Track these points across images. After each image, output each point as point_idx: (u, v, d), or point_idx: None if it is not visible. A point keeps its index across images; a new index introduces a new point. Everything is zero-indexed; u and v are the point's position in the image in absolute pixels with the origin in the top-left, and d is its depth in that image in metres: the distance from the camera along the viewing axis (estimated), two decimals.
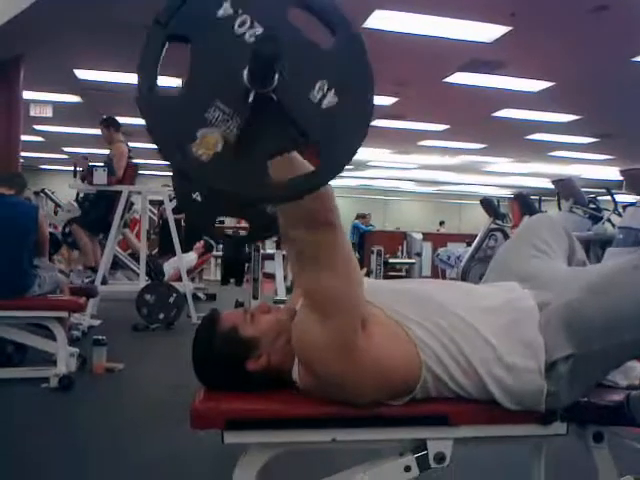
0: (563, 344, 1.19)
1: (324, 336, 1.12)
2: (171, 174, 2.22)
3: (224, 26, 0.94)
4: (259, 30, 0.94)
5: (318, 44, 0.96)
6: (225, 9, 0.95)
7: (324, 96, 0.94)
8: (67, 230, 6.21)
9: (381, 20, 5.81)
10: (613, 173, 14.06)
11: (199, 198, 1.86)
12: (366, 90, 0.97)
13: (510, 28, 5.88)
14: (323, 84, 0.94)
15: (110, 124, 5.87)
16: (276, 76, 0.92)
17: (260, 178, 0.94)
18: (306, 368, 1.20)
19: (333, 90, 0.94)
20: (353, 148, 0.96)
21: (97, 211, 5.73)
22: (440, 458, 1.21)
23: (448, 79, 7.69)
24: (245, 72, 0.92)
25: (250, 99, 0.92)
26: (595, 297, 1.21)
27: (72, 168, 6.92)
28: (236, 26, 0.94)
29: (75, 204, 6.64)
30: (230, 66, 0.94)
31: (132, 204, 6.44)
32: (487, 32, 6.06)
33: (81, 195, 6.26)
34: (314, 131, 0.95)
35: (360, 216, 14.15)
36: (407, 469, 1.21)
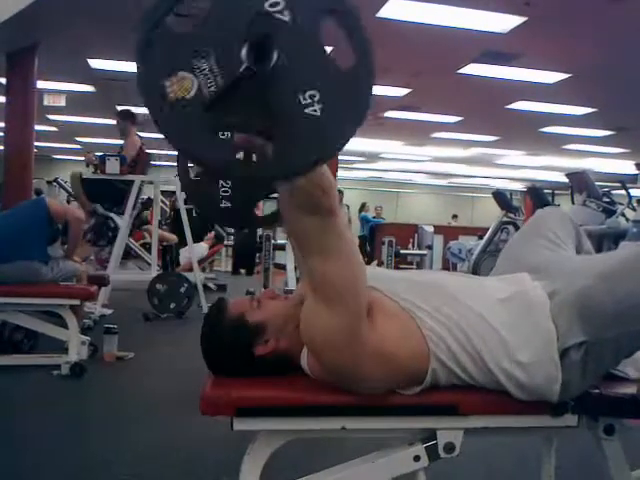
0: (576, 331, 1.18)
1: (330, 324, 1.11)
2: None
3: None
4: (287, 14, 0.92)
5: (332, 58, 0.93)
6: None
7: (311, 104, 0.92)
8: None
9: (395, 10, 5.76)
10: (628, 167, 13.93)
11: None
12: (354, 121, 0.94)
13: (525, 18, 5.81)
14: (315, 94, 0.92)
15: (128, 116, 5.93)
16: (273, 59, 0.90)
17: (214, 143, 0.92)
18: (314, 357, 1.20)
19: (322, 105, 0.92)
20: (305, 160, 0.94)
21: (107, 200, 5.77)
22: (450, 448, 1.21)
23: (462, 70, 7.62)
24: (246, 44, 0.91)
25: (241, 69, 0.90)
26: (608, 285, 1.20)
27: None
28: None
29: None
30: (238, 29, 0.91)
31: (150, 200, 6.51)
32: (502, 22, 5.99)
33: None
34: (282, 128, 0.92)
35: (362, 206, 14.13)
36: (416, 459, 1.21)
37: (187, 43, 0.93)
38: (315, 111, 0.92)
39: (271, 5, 0.92)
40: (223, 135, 0.96)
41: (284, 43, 0.92)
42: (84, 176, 5.86)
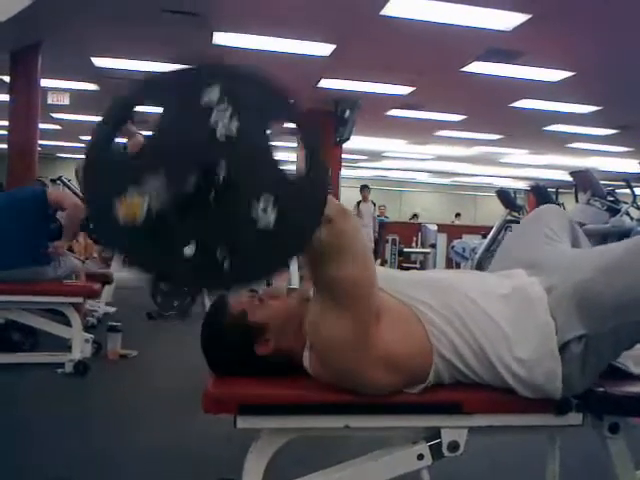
0: (575, 323, 1.18)
1: (338, 329, 1.11)
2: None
3: (202, 109, 0.94)
4: (234, 125, 0.93)
5: (281, 165, 0.96)
6: (212, 93, 0.94)
7: (265, 213, 0.93)
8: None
9: (398, 8, 5.74)
10: (632, 165, 13.88)
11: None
12: (310, 227, 0.97)
13: (529, 16, 5.79)
14: (269, 200, 0.93)
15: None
16: (222, 176, 0.92)
17: (168, 258, 0.95)
18: (319, 359, 1.19)
19: (276, 210, 0.93)
20: (261, 273, 0.97)
21: None
22: (454, 447, 1.20)
23: (466, 68, 7.60)
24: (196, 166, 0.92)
25: (192, 187, 0.92)
26: (607, 278, 1.20)
27: None
28: (214, 113, 0.93)
29: None
30: (189, 149, 0.94)
31: None
32: (506, 20, 5.97)
33: None
34: (236, 244, 0.94)
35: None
36: (420, 457, 1.20)
37: (136, 162, 0.95)
38: (269, 224, 0.93)
39: (219, 113, 0.94)
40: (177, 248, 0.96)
41: (232, 158, 0.93)
42: None
